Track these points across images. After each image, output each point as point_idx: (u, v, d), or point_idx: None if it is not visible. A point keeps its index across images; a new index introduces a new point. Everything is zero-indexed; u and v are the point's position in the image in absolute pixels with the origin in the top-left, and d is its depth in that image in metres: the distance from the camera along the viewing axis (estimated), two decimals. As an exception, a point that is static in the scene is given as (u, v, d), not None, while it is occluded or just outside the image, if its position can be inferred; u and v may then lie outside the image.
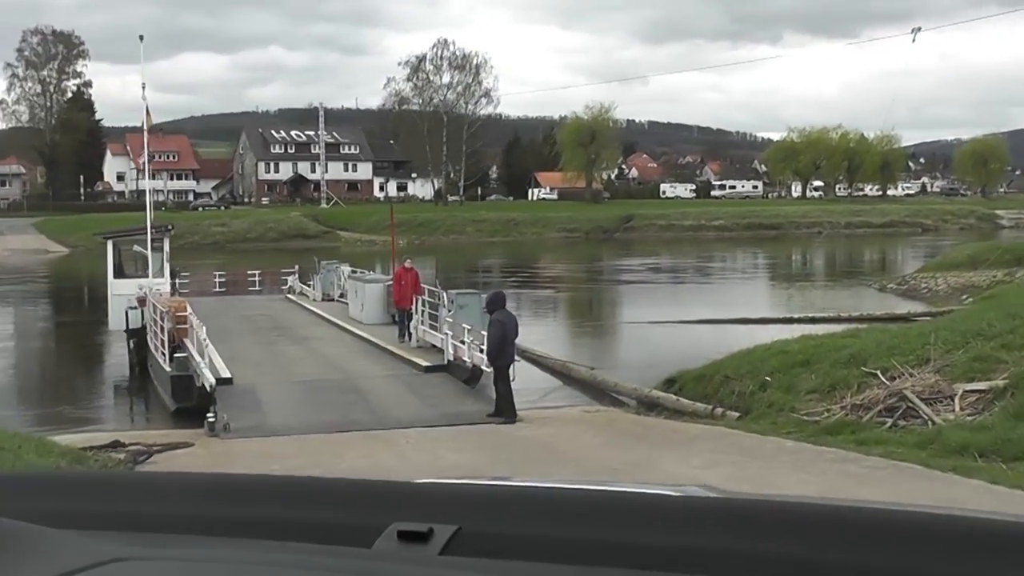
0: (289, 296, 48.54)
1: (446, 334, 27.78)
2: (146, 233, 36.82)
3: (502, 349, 22.33)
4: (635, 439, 18.40)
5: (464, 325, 26.76)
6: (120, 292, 35.12)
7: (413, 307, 30.98)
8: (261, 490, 2.28)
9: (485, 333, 23.55)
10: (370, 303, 36.15)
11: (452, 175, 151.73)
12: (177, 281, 46.49)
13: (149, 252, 36.70)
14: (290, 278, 51.42)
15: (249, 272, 56.81)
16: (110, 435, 20.97)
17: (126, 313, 33.01)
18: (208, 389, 22.86)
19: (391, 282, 33.76)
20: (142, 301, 32.67)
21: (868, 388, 19.80)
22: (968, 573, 1.68)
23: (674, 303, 55.14)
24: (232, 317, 40.04)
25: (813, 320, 42.27)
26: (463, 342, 26.34)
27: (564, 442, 18.28)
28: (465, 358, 26.32)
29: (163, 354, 27.66)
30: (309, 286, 47.86)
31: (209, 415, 21.61)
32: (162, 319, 28.66)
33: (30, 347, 43.62)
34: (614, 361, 36.04)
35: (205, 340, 27.27)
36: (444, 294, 30.19)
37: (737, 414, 21.57)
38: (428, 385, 26.31)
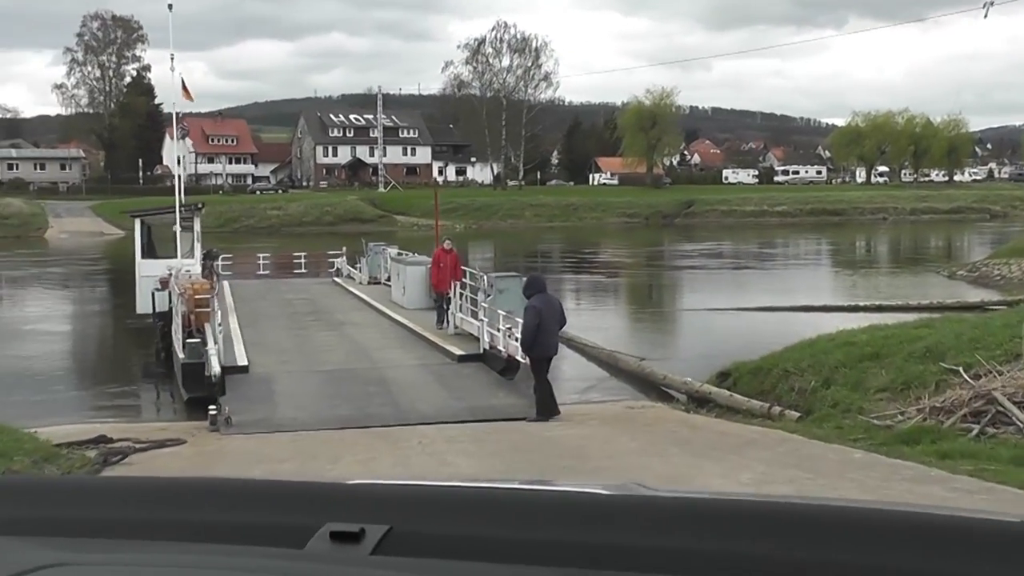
0: (336, 279, 46.88)
1: (482, 321, 25.60)
2: (175, 212, 34.74)
3: (537, 338, 19.84)
4: (678, 444, 15.97)
5: (500, 311, 24.48)
6: (148, 273, 33.30)
7: (451, 291, 28.83)
8: (197, 493, 2.24)
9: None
10: (411, 287, 34.19)
11: (512, 160, 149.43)
12: (218, 263, 45.53)
13: (178, 231, 34.93)
14: (337, 261, 49.94)
15: (295, 254, 54.75)
16: (108, 427, 19.38)
17: (152, 295, 31.20)
18: (213, 379, 20.69)
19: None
20: (164, 283, 30.63)
21: (948, 387, 17.17)
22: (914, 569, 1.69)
23: (734, 290, 53.11)
24: (271, 301, 38.85)
25: (880, 308, 40.15)
26: (499, 329, 24.05)
27: (596, 446, 15.86)
28: (500, 347, 24.06)
29: (178, 339, 25.66)
30: (357, 269, 46.25)
31: (212, 408, 19.57)
32: (178, 302, 26.65)
33: (64, 330, 41.73)
34: (668, 351, 33.91)
35: (220, 326, 25.23)
36: (483, 277, 27.96)
37: (797, 414, 19.10)
38: (459, 376, 24.20)
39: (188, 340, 24.16)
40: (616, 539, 1.84)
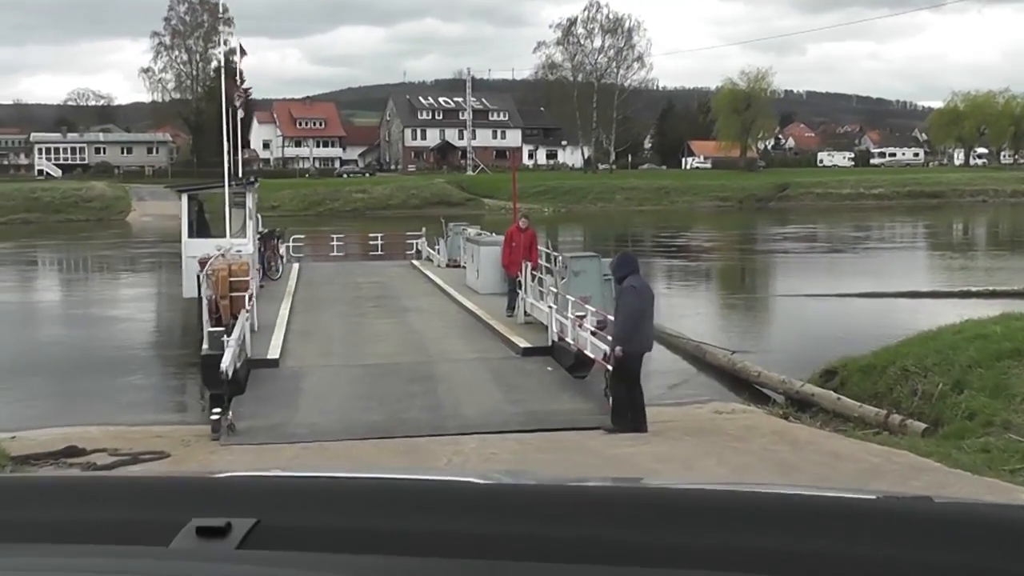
0: (414, 262, 43.77)
1: (551, 308, 22.19)
2: (224, 186, 31.83)
3: (638, 326, 16.21)
4: (779, 471, 12.28)
5: (570, 297, 21.03)
6: (194, 254, 30.11)
7: (524, 276, 25.45)
8: (57, 491, 2.18)
9: (616, 306, 17.23)
10: (485, 269, 30.72)
11: (603, 143, 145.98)
12: (285, 243, 43.49)
13: (227, 207, 31.80)
14: (417, 242, 47.20)
15: (370, 235, 51.80)
16: (98, 430, 17.37)
17: (197, 278, 28.13)
18: (225, 376, 17.41)
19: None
20: (203, 263, 27.52)
21: None
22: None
23: (832, 274, 49.86)
24: (338, 284, 36.01)
25: (994, 294, 36.35)
26: (575, 317, 20.57)
27: (673, 471, 12.24)
28: (570, 339, 20.58)
29: (207, 327, 22.55)
30: (436, 251, 43.52)
31: (215, 411, 16.33)
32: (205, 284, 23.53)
33: (112, 315, 38.90)
34: (761, 342, 30.41)
35: (248, 312, 22.10)
36: (556, 257, 24.52)
37: (923, 426, 15.41)
38: (520, 373, 20.79)
39: (211, 329, 20.94)
40: (486, 528, 1.83)
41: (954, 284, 41.73)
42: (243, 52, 42.01)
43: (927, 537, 1.78)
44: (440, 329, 26.03)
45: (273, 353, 21.82)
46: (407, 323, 27.35)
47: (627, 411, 15.97)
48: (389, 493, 2.09)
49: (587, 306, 20.33)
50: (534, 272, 25.09)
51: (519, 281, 25.35)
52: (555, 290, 22.38)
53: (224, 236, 31.19)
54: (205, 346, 20.78)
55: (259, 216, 39.34)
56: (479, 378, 20.21)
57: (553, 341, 21.81)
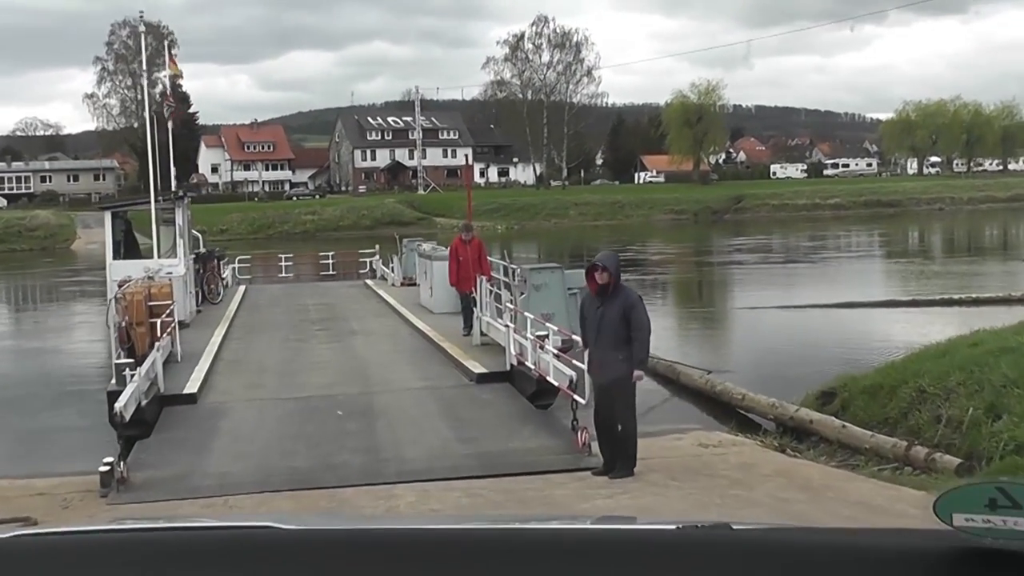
0: (367, 282, 41.02)
1: (508, 327, 19.51)
2: (150, 202, 28.98)
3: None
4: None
5: (529, 315, 18.51)
6: (120, 277, 27.28)
7: (478, 291, 22.90)
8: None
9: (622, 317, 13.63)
10: (439, 287, 28.01)
11: (555, 160, 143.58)
12: (233, 266, 42.18)
13: (154, 224, 29.09)
14: (371, 260, 44.74)
15: (322, 255, 49.44)
16: None
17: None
18: (118, 418, 14.59)
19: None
20: (123, 285, 24.76)
21: None
22: None
23: (798, 285, 47.86)
24: (284, 307, 33.74)
25: (976, 302, 34.52)
26: (535, 337, 17.84)
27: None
28: (530, 362, 17.88)
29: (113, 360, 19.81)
30: (391, 269, 40.62)
31: (104, 462, 13.51)
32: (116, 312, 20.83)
33: (40, 346, 36.10)
34: (735, 358, 28.10)
35: (159, 347, 19.30)
36: (513, 270, 21.85)
37: (957, 461, 12.73)
38: (474, 404, 18.12)
39: (118, 362, 18.12)
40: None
41: (936, 291, 39.28)
42: (170, 107, 39.47)
43: (726, 565, 1.80)
44: (387, 354, 23.52)
45: (192, 387, 19.15)
46: (351, 348, 24.83)
47: (634, 450, 13.29)
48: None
49: (549, 325, 17.66)
50: (489, 287, 22.43)
51: (473, 298, 22.68)
52: (513, 307, 19.72)
53: (153, 257, 28.74)
54: (113, 381, 18.02)
55: (198, 236, 37.03)
56: (426, 411, 17.51)
57: (512, 365, 19.23)
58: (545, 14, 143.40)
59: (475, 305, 22.56)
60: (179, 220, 29.75)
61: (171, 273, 27.26)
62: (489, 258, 24.02)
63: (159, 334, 20.57)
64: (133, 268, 26.77)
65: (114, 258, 28.97)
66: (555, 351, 16.98)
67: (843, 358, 22.31)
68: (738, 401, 19.80)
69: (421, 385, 19.58)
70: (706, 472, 13.41)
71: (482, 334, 22.10)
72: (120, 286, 24.19)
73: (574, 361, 15.53)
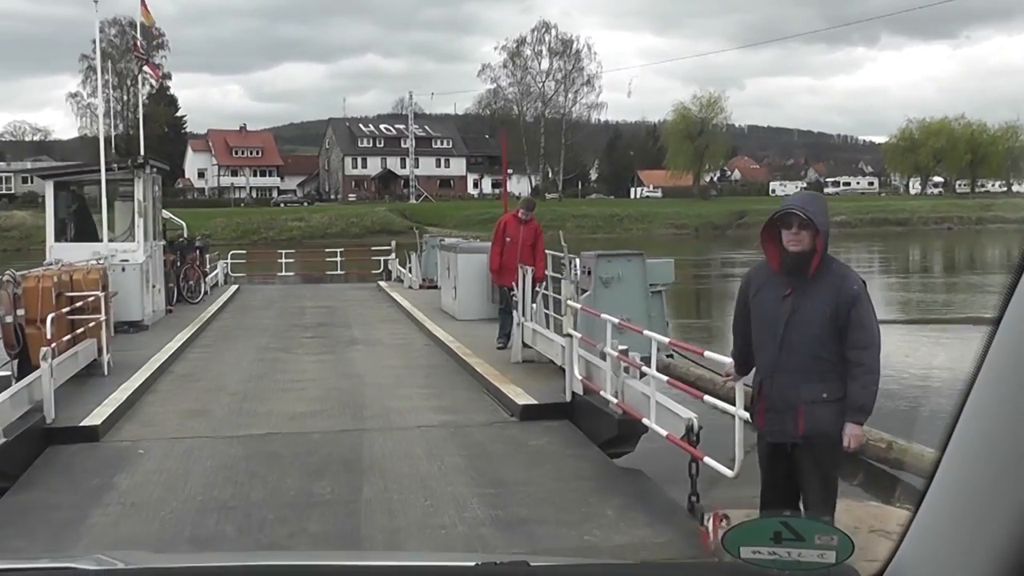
0: (380, 283, 35.61)
1: (570, 337, 12.97)
2: (101, 170, 23.04)
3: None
4: None
5: (611, 318, 11.99)
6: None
7: (520, 286, 16.54)
8: None
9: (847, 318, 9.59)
10: (466, 286, 22.63)
11: (550, 173, 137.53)
12: (226, 262, 38.57)
13: (103, 197, 23.19)
14: (386, 259, 39.67)
15: (328, 251, 45.10)
16: None
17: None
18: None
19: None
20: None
21: None
22: None
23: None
24: (276, 310, 28.80)
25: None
26: (608, 355, 11.66)
27: None
28: (607, 392, 11.46)
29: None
30: (407, 270, 34.98)
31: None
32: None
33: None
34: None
35: (45, 354, 12.85)
36: (571, 260, 15.54)
37: None
38: (519, 455, 11.66)
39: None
40: None
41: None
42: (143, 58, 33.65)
43: None
44: (394, 372, 17.31)
45: (96, 416, 12.82)
46: (347, 363, 18.71)
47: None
48: None
49: (656, 336, 11.20)
50: (537, 287, 15.99)
51: (514, 295, 16.18)
52: (577, 306, 13.24)
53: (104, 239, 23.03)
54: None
55: (172, 217, 31.73)
56: (443, 467, 11.12)
57: (575, 394, 12.75)
58: (547, 20, 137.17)
59: (517, 307, 16.09)
60: (139, 194, 23.50)
61: (126, 260, 22.32)
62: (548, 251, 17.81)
63: (63, 337, 14.25)
64: (79, 252, 21.19)
65: (57, 239, 23.39)
66: (652, 371, 10.59)
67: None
68: (883, 451, 13.42)
69: (437, 421, 13.26)
70: None
71: (525, 346, 15.62)
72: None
73: (710, 399, 9.11)
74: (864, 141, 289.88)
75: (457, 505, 9.56)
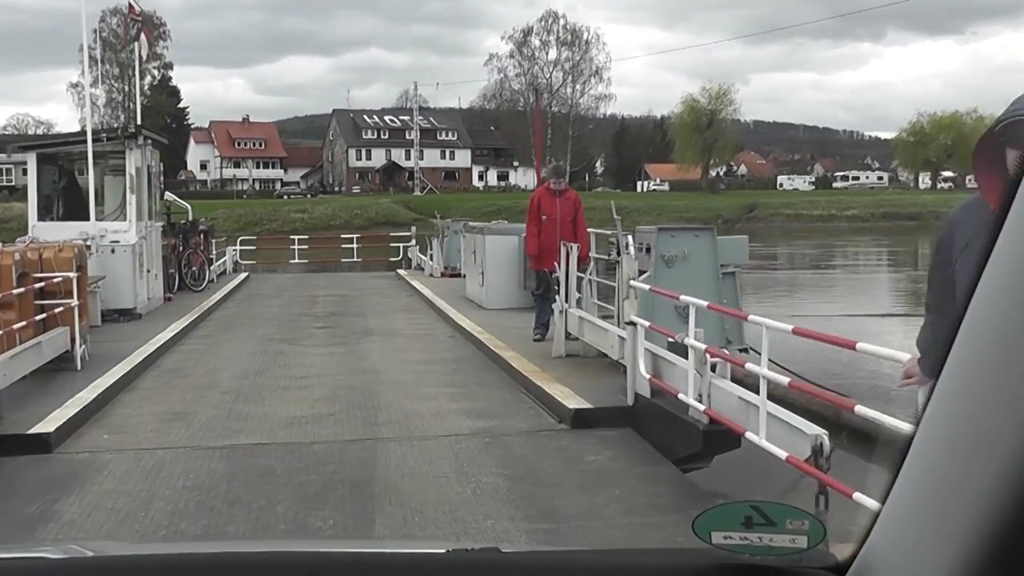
0: (400, 271, 34.01)
1: (633, 325, 10.54)
2: (87, 141, 21.09)
3: None
4: None
5: (694, 300, 9.68)
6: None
7: (563, 267, 14.37)
8: None
9: None
10: (495, 270, 20.68)
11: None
12: (234, 249, 37.05)
13: (90, 171, 21.31)
14: (406, 246, 38.15)
15: (343, 238, 43.77)
16: None
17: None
18: None
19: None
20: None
21: None
22: None
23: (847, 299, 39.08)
24: (286, 298, 26.78)
25: None
26: (687, 342, 9.32)
27: None
28: (689, 396, 9.29)
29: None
30: (428, 257, 33.37)
31: None
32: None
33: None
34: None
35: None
36: (623, 237, 13.28)
37: None
38: (575, 475, 9.32)
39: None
40: None
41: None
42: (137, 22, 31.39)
43: None
44: (415, 366, 15.13)
45: (53, 421, 10.56)
46: (361, 356, 16.50)
47: None
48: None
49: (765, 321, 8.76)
50: (584, 265, 13.63)
51: (556, 279, 13.79)
52: (639, 285, 10.83)
53: (94, 218, 20.95)
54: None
55: (176, 200, 30.84)
56: (478, 489, 8.84)
57: (638, 396, 10.31)
58: (555, 9, 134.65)
59: (558, 292, 13.68)
60: (130, 168, 21.42)
61: (116, 241, 20.40)
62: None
63: (25, 324, 11.98)
64: (65, 232, 18.90)
65: (40, 218, 21.56)
66: (746, 365, 8.22)
67: None
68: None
69: (469, 428, 10.89)
70: None
71: (568, 337, 13.18)
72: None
73: (864, 410, 6.65)
74: (870, 137, 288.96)
75: (499, 545, 7.11)
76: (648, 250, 12.48)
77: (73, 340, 14.07)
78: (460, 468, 9.32)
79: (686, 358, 9.39)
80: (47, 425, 10.24)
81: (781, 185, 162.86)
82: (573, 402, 10.92)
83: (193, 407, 12.13)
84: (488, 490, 8.62)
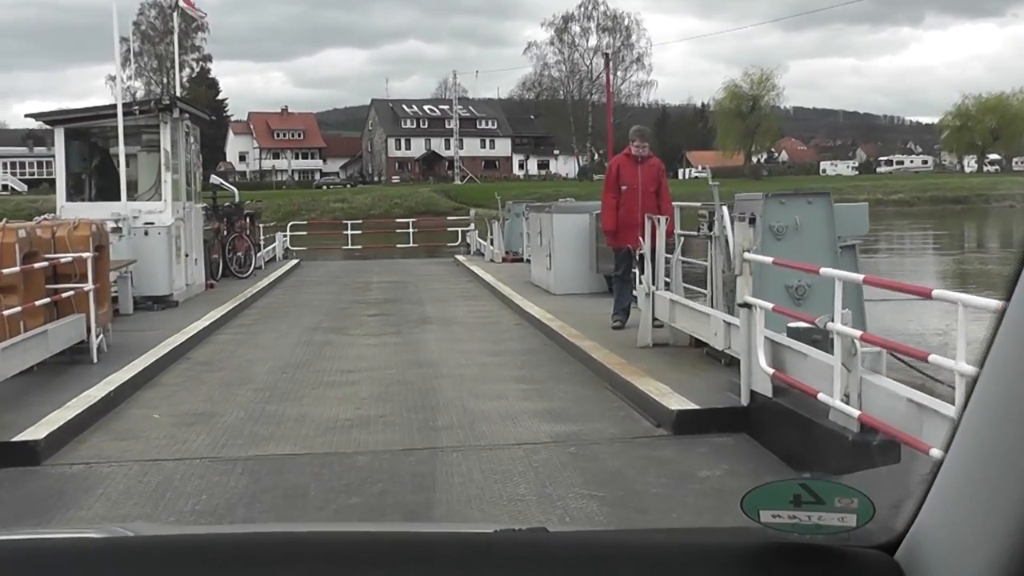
0: (458, 257, 32.62)
1: (748, 308, 8.64)
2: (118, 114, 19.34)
3: None
4: None
5: (843, 273, 7.60)
6: (75, 224, 17.40)
7: (646, 245, 12.62)
8: None
9: None
10: (563, 252, 19.18)
11: (596, 157, 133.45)
12: (284, 235, 35.93)
13: (121, 148, 19.03)
14: (465, 231, 37.55)
15: (399, 222, 43.93)
16: None
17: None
18: None
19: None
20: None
21: None
22: None
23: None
24: (338, 285, 25.70)
25: None
26: (840, 337, 7.32)
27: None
28: (834, 396, 7.31)
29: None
30: (489, 242, 31.84)
31: None
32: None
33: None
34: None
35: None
36: (719, 207, 11.41)
37: None
38: (685, 498, 7.37)
39: None
40: None
41: None
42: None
43: (542, 567, 1.78)
44: (478, 357, 13.45)
45: (46, 425, 8.89)
46: (417, 345, 14.89)
47: None
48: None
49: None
50: (669, 241, 11.76)
51: (639, 257, 11.91)
52: (755, 257, 8.91)
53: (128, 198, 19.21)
54: None
55: (223, 183, 29.60)
56: (566, 521, 6.88)
57: (755, 395, 8.38)
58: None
59: (641, 271, 11.77)
60: (165, 143, 19.71)
61: (151, 223, 18.94)
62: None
63: (30, 309, 10.28)
64: (96, 213, 17.08)
65: (69, 198, 19.80)
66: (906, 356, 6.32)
67: None
68: None
69: (548, 435, 9.03)
70: None
71: (655, 324, 11.27)
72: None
73: None
74: (911, 122, 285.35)
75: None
76: (752, 220, 10.54)
77: (89, 329, 12.35)
78: (541, 488, 7.47)
79: (817, 348, 7.52)
80: (37, 431, 8.51)
81: (824, 171, 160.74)
82: (673, 402, 9.03)
83: (219, 407, 10.40)
84: (580, 518, 6.76)
